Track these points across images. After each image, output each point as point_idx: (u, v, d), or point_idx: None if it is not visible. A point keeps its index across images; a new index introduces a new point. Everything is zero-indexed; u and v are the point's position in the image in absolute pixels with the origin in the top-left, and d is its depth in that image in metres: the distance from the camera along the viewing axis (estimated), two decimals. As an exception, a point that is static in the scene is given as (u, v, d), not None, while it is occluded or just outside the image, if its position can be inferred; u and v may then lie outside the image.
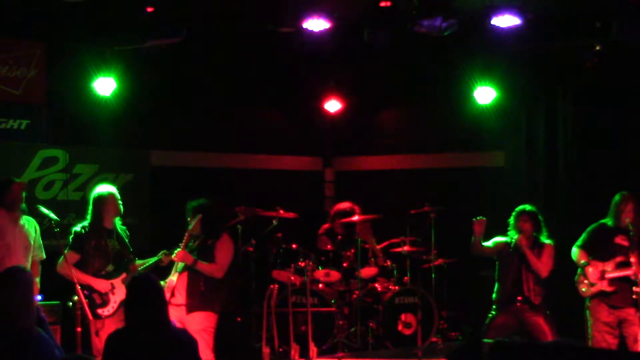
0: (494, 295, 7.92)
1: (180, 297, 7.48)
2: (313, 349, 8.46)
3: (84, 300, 7.14)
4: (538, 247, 7.82)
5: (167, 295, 7.32)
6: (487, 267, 9.07)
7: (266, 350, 8.37)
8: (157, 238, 8.87)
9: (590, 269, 7.71)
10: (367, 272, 9.29)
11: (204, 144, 10.40)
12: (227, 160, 10.61)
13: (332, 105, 11.07)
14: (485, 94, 9.90)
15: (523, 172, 10.23)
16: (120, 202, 7.55)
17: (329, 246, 9.31)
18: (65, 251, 7.30)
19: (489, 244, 7.94)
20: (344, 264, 9.10)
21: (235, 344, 8.70)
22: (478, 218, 7.91)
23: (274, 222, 8.79)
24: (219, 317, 7.53)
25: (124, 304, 4.99)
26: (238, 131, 10.61)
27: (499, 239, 7.97)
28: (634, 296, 7.54)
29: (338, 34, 8.85)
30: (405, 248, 9.25)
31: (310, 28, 8.62)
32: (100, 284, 7.35)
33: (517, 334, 7.75)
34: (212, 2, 8.62)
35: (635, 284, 7.53)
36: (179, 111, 10.02)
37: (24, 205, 7.31)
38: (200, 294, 7.48)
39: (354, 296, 9.00)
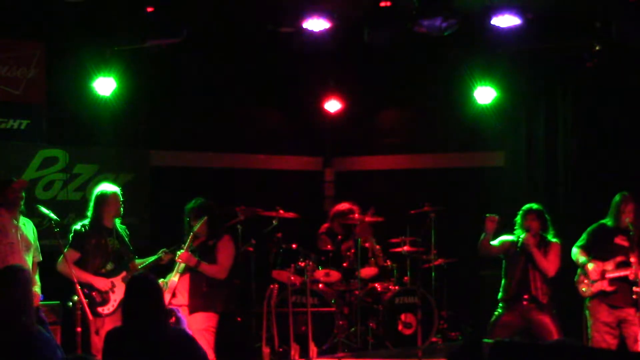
0: (500, 294, 7.88)
1: (182, 298, 7.50)
2: (313, 349, 8.46)
3: (84, 300, 7.14)
4: (545, 245, 7.80)
5: (169, 295, 7.34)
6: (487, 267, 9.09)
7: (266, 350, 8.38)
8: (157, 238, 8.87)
9: (590, 266, 7.71)
10: (367, 272, 9.29)
11: (204, 144, 10.39)
12: (227, 160, 10.61)
13: (332, 105, 11.07)
14: (485, 94, 9.90)
15: (523, 172, 10.23)
16: (122, 203, 7.56)
17: (329, 246, 9.32)
18: (65, 250, 7.31)
19: (495, 242, 7.91)
20: (344, 264, 9.11)
21: (235, 344, 8.70)
22: (490, 215, 7.87)
23: (274, 222, 8.78)
24: (219, 317, 7.56)
25: (122, 303, 4.99)
26: (238, 131, 10.60)
27: (505, 237, 7.93)
28: (634, 296, 7.54)
29: (338, 34, 8.85)
30: (405, 248, 9.25)
31: (310, 28, 8.62)
32: (101, 282, 7.35)
33: (522, 333, 7.74)
34: (212, 2, 8.63)
35: (635, 284, 7.53)
36: (179, 111, 10.02)
37: (22, 207, 7.31)
38: (202, 295, 7.51)
39: (354, 296, 9.00)
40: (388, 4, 8.16)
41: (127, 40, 8.72)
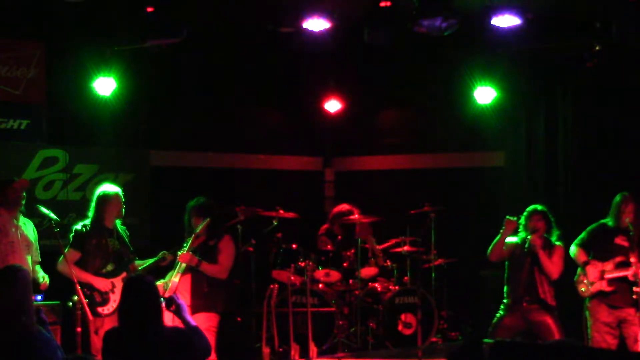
0: (505, 299, 7.82)
1: (183, 298, 7.48)
2: (313, 349, 8.46)
3: (84, 300, 7.14)
4: (549, 248, 7.76)
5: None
6: (487, 267, 9.08)
7: (266, 350, 8.38)
8: (157, 238, 8.88)
9: (590, 268, 7.71)
10: (367, 272, 9.29)
11: (204, 144, 10.39)
12: (227, 160, 10.61)
13: (332, 105, 11.07)
14: (485, 94, 9.90)
15: (523, 172, 10.23)
16: (123, 204, 7.56)
17: (329, 246, 9.31)
18: (66, 250, 7.31)
19: None
20: (344, 264, 9.11)
21: (235, 344, 8.69)
22: (510, 218, 7.81)
23: (274, 222, 8.78)
24: (220, 317, 7.56)
25: (119, 304, 5.00)
26: (238, 131, 10.60)
27: (510, 239, 7.88)
28: (634, 296, 7.54)
29: (338, 34, 8.85)
30: (405, 248, 9.25)
31: (310, 28, 8.62)
32: (101, 283, 7.36)
33: (523, 334, 7.72)
34: (212, 2, 8.62)
35: (635, 284, 7.53)
36: (179, 111, 10.02)
37: (22, 208, 7.31)
38: (204, 295, 7.53)
39: (354, 296, 9.00)
40: (388, 4, 8.16)
41: (127, 40, 8.72)
